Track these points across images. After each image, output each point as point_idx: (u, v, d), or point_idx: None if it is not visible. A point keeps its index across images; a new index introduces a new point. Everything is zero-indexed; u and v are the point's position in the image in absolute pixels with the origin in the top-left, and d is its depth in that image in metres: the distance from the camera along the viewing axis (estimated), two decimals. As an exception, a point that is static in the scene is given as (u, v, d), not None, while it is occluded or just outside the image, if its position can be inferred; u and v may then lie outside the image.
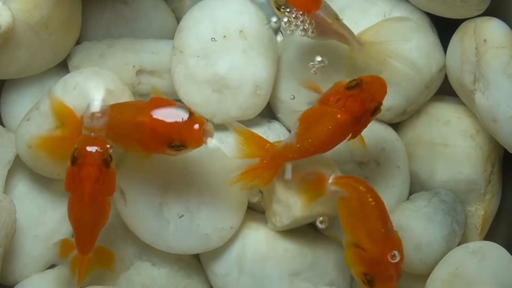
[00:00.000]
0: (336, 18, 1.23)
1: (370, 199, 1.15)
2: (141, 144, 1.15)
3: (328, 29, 1.22)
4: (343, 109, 1.14)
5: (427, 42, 1.32)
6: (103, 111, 1.17)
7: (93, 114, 1.17)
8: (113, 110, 1.17)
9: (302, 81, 1.25)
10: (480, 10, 1.28)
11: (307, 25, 1.22)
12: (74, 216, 1.16)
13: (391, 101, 1.30)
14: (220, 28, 1.30)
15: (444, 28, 1.34)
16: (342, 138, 1.17)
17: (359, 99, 1.14)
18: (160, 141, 1.13)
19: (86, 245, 1.19)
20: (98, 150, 1.14)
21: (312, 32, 1.22)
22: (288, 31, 1.24)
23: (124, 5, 1.39)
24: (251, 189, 1.22)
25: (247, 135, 1.19)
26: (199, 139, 1.12)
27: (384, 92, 1.16)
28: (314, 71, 1.28)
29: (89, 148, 1.14)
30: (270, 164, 1.18)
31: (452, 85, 1.33)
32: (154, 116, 1.13)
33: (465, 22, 1.30)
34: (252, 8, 1.33)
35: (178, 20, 1.39)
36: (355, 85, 1.15)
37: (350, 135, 1.17)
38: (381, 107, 1.17)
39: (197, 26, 1.31)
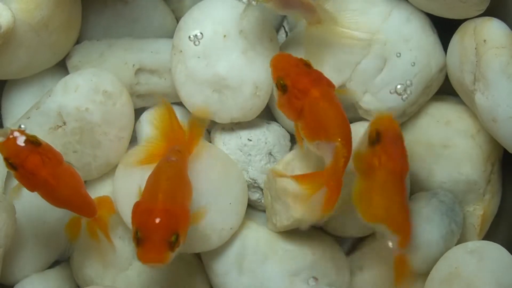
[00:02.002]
0: None
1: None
2: None
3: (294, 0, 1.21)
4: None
5: (427, 42, 1.31)
6: None
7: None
8: None
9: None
10: (480, 10, 1.28)
11: None
12: (57, 199, 1.17)
13: (391, 103, 1.30)
14: (220, 28, 1.30)
15: (444, 28, 1.33)
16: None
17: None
18: None
19: (87, 206, 1.20)
20: (20, 140, 1.13)
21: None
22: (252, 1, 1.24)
23: (124, 5, 1.39)
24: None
25: (302, 179, 1.17)
26: None
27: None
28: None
29: (15, 146, 1.13)
30: (337, 184, 1.14)
31: (452, 85, 1.33)
32: None
33: (465, 22, 1.30)
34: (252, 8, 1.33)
35: (178, 20, 1.39)
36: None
37: None
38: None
39: (197, 26, 1.31)
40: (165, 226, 1.06)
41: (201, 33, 1.29)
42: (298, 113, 1.16)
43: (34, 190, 1.16)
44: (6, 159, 1.14)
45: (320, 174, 1.15)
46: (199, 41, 1.29)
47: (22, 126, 1.26)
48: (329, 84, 1.17)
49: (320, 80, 1.16)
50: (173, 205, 1.09)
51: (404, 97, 1.30)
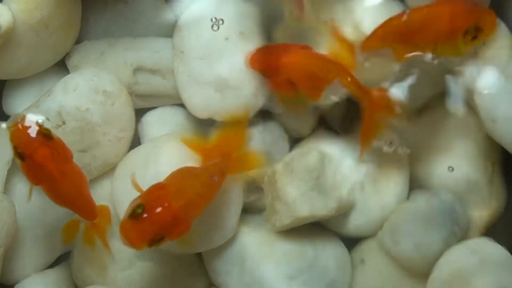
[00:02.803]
0: None
1: None
2: None
3: None
4: None
5: (427, 42, 1.31)
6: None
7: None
8: None
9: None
10: (480, 10, 1.28)
11: None
12: (60, 196, 1.16)
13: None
14: (221, 29, 1.30)
15: (444, 28, 1.33)
16: None
17: None
18: None
19: (89, 209, 1.19)
20: (32, 130, 1.12)
21: None
22: None
23: (124, 4, 1.39)
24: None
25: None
26: None
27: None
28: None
29: (26, 136, 1.12)
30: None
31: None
32: None
33: (465, 22, 1.30)
34: (252, 8, 1.33)
35: (178, 20, 1.39)
36: None
37: None
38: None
39: (197, 27, 1.31)
40: (160, 224, 1.06)
41: (222, 20, 1.29)
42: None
43: (38, 184, 1.15)
44: (15, 148, 1.13)
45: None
46: (218, 27, 1.29)
47: (40, 120, 1.23)
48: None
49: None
50: (183, 216, 1.08)
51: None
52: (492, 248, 1.25)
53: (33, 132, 1.12)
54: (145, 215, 1.05)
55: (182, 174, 1.13)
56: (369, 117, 1.20)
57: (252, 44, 1.30)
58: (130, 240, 1.06)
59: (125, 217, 1.07)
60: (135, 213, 1.06)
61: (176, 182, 1.12)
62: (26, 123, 1.13)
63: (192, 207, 1.11)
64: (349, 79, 1.19)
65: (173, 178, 1.12)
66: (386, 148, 1.26)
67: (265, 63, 1.24)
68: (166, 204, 1.07)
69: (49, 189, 1.16)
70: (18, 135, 1.13)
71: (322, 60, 1.21)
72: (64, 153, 1.15)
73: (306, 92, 1.23)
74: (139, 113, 1.36)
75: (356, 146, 1.30)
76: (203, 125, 1.36)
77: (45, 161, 1.12)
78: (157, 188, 1.10)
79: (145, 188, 1.12)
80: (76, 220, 1.21)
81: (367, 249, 1.34)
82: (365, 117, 1.21)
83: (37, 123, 1.14)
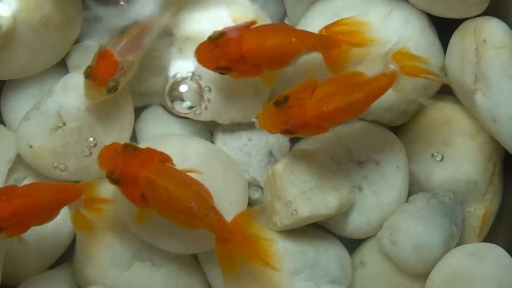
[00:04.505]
0: None
1: None
2: None
3: None
4: None
5: (427, 42, 1.31)
6: None
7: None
8: None
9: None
10: (480, 10, 1.28)
11: None
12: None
13: (391, 102, 1.30)
14: (220, 28, 1.30)
15: (444, 28, 1.33)
16: None
17: None
18: None
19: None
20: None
21: None
22: None
23: (124, 4, 1.39)
24: None
25: None
26: None
27: None
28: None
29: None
30: None
31: (452, 85, 1.33)
32: None
33: (465, 22, 1.30)
34: (253, 8, 1.33)
35: (178, 20, 1.39)
36: None
37: None
38: None
39: (197, 27, 1.31)
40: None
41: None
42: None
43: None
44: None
45: None
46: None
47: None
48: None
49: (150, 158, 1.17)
50: None
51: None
52: (491, 249, 1.25)
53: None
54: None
55: None
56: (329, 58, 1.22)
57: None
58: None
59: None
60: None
61: None
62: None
63: None
64: (312, 39, 1.20)
65: None
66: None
67: (225, 57, 1.20)
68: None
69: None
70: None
71: (281, 33, 1.20)
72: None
73: (274, 68, 1.22)
74: (136, 111, 1.36)
75: (355, 145, 1.31)
76: (199, 121, 1.37)
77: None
78: None
79: None
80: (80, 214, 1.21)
81: (367, 252, 1.34)
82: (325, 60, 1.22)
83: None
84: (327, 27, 1.22)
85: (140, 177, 1.13)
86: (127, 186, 1.15)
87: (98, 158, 1.17)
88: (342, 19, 1.23)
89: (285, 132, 1.18)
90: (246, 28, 1.21)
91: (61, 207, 1.18)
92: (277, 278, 1.26)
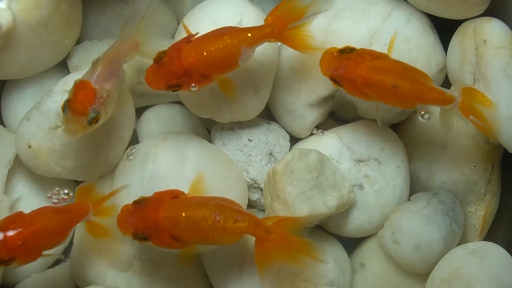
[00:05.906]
0: None
1: None
2: None
3: None
4: None
5: (427, 42, 1.31)
6: None
7: None
8: None
9: None
10: (480, 10, 1.28)
11: None
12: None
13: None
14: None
15: (444, 28, 1.34)
16: None
17: None
18: None
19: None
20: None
21: None
22: None
23: (124, 5, 1.39)
24: None
25: None
26: None
27: None
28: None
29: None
30: None
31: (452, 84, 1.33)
32: None
33: (465, 23, 1.30)
34: (252, 8, 1.33)
35: (178, 21, 1.40)
36: None
37: None
38: None
39: (197, 27, 1.31)
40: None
41: None
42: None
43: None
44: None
45: None
46: None
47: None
48: None
49: None
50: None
51: None
52: (491, 249, 1.25)
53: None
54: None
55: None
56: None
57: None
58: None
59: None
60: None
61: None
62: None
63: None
64: (249, 34, 1.19)
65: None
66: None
67: (171, 75, 1.19)
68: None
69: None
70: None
71: (216, 39, 1.19)
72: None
73: (223, 72, 1.21)
74: (137, 111, 1.36)
75: (356, 144, 1.31)
76: (201, 122, 1.36)
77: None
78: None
79: None
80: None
81: (367, 253, 1.34)
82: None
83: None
84: (271, 14, 1.21)
85: (159, 221, 1.13)
86: (155, 236, 1.15)
87: (118, 224, 1.17)
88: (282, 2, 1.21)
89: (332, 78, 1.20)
90: (185, 42, 1.20)
91: (71, 228, 1.18)
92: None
